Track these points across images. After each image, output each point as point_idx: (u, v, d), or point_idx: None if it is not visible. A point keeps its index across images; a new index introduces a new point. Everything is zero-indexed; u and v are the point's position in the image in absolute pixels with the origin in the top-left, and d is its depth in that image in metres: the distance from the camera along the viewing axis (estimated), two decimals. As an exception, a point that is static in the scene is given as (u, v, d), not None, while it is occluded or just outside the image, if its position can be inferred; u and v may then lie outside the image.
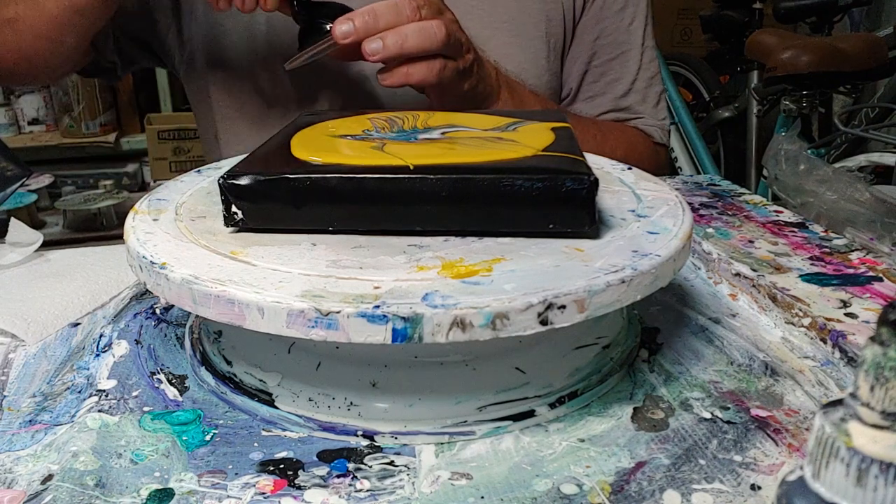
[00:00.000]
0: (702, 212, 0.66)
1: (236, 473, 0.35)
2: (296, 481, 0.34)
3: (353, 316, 0.33)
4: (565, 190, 0.38)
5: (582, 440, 0.37)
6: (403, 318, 0.33)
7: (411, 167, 0.40)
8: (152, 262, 0.38)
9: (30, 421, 0.39)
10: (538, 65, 0.82)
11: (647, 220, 0.42)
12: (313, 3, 0.63)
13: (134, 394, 0.42)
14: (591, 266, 0.36)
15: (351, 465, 0.36)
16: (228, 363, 0.42)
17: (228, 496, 0.33)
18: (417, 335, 0.33)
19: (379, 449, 0.37)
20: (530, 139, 0.45)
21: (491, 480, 0.34)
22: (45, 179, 2.03)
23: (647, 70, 0.86)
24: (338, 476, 0.35)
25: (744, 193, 0.71)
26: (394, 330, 0.33)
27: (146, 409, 0.40)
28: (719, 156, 2.32)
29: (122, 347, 0.47)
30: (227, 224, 0.42)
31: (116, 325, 0.49)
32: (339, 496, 0.33)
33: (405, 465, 0.36)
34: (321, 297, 0.34)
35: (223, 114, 0.83)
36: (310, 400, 0.39)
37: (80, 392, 0.42)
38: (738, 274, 0.53)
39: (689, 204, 0.47)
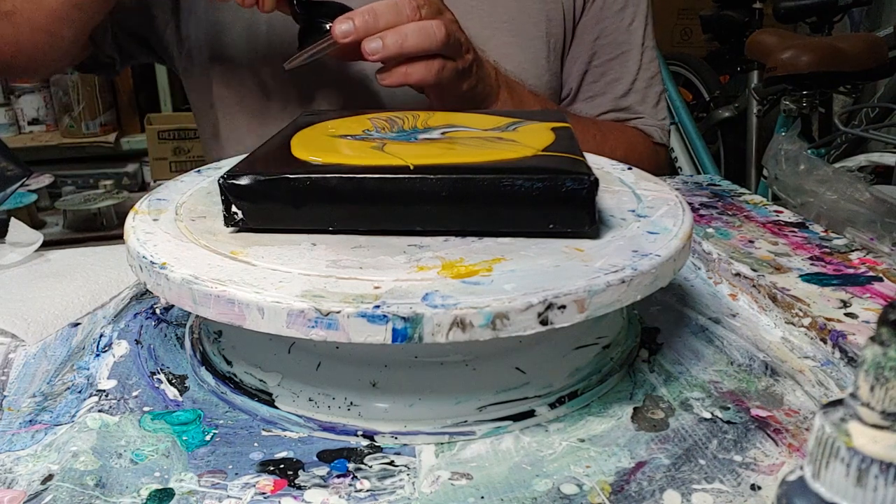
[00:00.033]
0: (702, 212, 0.66)
1: (236, 473, 0.35)
2: (296, 481, 0.34)
3: (353, 316, 0.33)
4: (565, 190, 0.38)
5: (582, 440, 0.37)
6: (403, 318, 0.33)
7: (411, 167, 0.40)
8: (152, 262, 0.38)
9: (30, 421, 0.39)
10: (538, 65, 0.82)
11: (647, 220, 0.42)
12: (313, 2, 0.63)
13: (134, 394, 0.42)
14: (591, 266, 0.36)
15: (351, 465, 0.36)
16: (228, 363, 0.42)
17: (228, 496, 0.33)
18: (417, 335, 0.33)
19: (379, 449, 0.37)
20: (530, 139, 0.45)
21: (491, 480, 0.34)
22: (45, 179, 2.03)
23: (647, 70, 0.86)
24: (338, 476, 0.35)
25: (744, 193, 0.71)
26: (394, 330, 0.33)
27: (146, 409, 0.40)
28: (719, 156, 2.32)
29: (122, 347, 0.47)
30: (227, 224, 0.42)
31: (116, 325, 0.49)
32: (339, 496, 0.33)
33: (405, 465, 0.36)
34: (321, 297, 0.34)
35: (224, 111, 0.83)
36: (310, 400, 0.39)
37: (80, 392, 0.42)
38: (738, 274, 0.53)
39: (689, 204, 0.47)
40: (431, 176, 0.39)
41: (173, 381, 0.43)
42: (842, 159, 1.75)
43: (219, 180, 0.40)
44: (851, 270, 0.53)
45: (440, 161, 0.42)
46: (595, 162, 0.53)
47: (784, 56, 1.78)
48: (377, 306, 0.33)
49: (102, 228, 1.98)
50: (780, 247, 0.57)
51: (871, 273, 0.52)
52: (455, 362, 0.39)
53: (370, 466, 0.35)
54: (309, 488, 0.34)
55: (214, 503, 0.33)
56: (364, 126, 0.50)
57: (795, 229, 0.61)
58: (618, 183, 0.49)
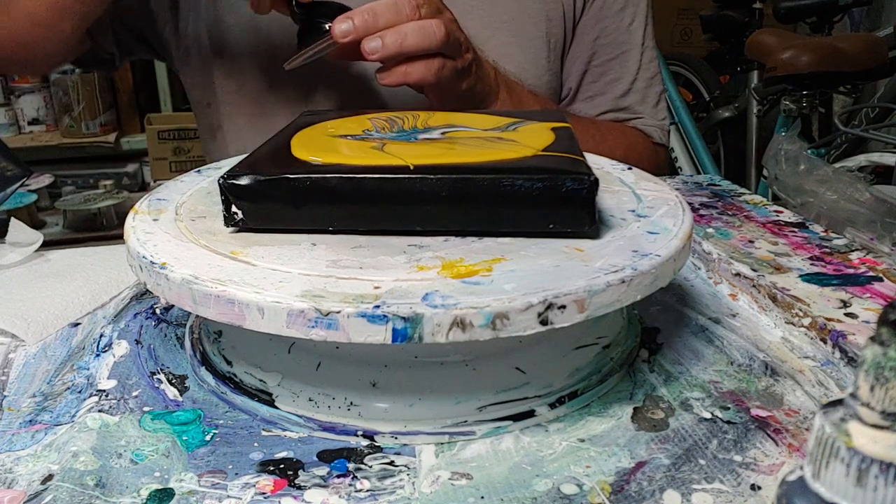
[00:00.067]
0: (702, 212, 0.66)
1: (236, 473, 0.35)
2: (296, 481, 0.34)
3: (353, 316, 0.33)
4: (565, 190, 0.38)
5: (582, 440, 0.37)
6: (403, 318, 0.33)
7: (411, 167, 0.40)
8: (152, 262, 0.38)
9: (30, 421, 0.39)
10: (538, 65, 0.82)
11: (647, 220, 0.42)
12: (312, 2, 0.63)
13: (134, 394, 0.42)
14: (591, 266, 0.36)
15: (351, 465, 0.36)
16: (228, 363, 0.42)
17: (228, 496, 0.33)
18: (417, 335, 0.33)
19: (379, 449, 0.37)
20: (530, 139, 0.45)
21: (491, 480, 0.34)
22: (45, 179, 2.03)
23: (647, 70, 0.86)
24: (338, 476, 0.35)
25: (744, 193, 0.71)
26: (394, 330, 0.33)
27: (146, 409, 0.40)
28: (719, 156, 2.32)
29: (122, 347, 0.47)
30: (227, 224, 0.42)
31: (116, 325, 0.49)
32: (339, 496, 0.33)
33: (405, 465, 0.36)
34: (321, 297, 0.34)
35: (224, 108, 0.83)
36: (310, 400, 0.39)
37: (80, 392, 0.42)
38: (738, 274, 0.53)
39: (689, 204, 0.47)
40: (431, 176, 0.39)
41: (173, 381, 0.43)
42: (842, 159, 1.75)
43: (219, 180, 0.40)
44: (851, 270, 0.53)
45: (440, 161, 0.42)
46: (595, 162, 0.53)
47: (784, 56, 1.78)
48: (377, 306, 0.33)
49: (102, 228, 1.98)
50: (780, 247, 0.57)
51: (871, 273, 0.52)
52: (455, 362, 0.39)
53: (370, 466, 0.35)
54: (309, 488, 0.34)
55: (214, 503, 0.33)
56: (364, 126, 0.50)
57: (795, 229, 0.61)
58: (618, 183, 0.49)
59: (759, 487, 0.33)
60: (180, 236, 0.41)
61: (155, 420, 0.39)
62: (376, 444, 0.37)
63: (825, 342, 0.45)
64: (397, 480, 0.34)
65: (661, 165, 0.89)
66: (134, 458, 0.36)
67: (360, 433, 0.37)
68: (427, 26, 0.59)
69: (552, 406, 0.39)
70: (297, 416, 0.38)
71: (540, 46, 0.82)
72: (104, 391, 0.42)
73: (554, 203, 0.39)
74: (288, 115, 0.77)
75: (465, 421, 0.38)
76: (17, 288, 0.53)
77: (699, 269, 0.57)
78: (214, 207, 0.45)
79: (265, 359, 0.41)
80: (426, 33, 0.59)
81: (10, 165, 0.59)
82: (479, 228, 0.41)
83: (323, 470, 0.35)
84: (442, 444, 0.37)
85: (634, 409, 0.40)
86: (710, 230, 0.61)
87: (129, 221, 0.44)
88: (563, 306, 0.34)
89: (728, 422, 0.38)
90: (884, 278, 0.51)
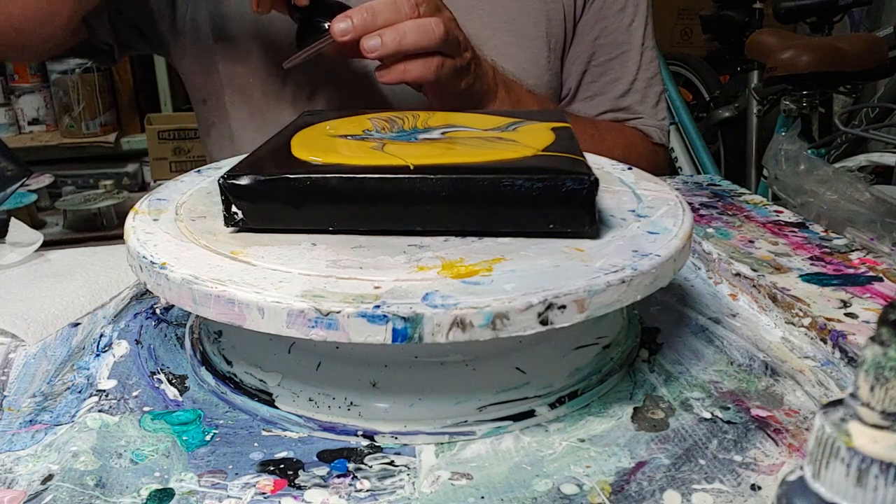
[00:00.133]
0: (702, 212, 0.66)
1: (236, 473, 0.35)
2: (296, 481, 0.34)
3: (353, 316, 0.33)
4: (565, 190, 0.38)
5: (582, 440, 0.37)
6: (403, 318, 0.33)
7: (411, 167, 0.40)
8: (152, 262, 0.38)
9: (30, 421, 0.39)
10: (538, 65, 0.82)
11: (648, 220, 0.42)
12: (311, 2, 0.63)
13: (134, 394, 0.42)
14: (591, 266, 0.36)
15: (351, 465, 0.36)
16: (228, 363, 0.42)
17: (228, 496, 0.33)
18: (417, 335, 0.33)
19: (379, 449, 0.37)
20: (530, 139, 0.45)
21: (491, 480, 0.34)
22: (45, 179, 2.03)
23: (647, 70, 0.86)
24: (338, 476, 0.35)
25: (744, 193, 0.71)
26: (394, 330, 0.33)
27: (146, 409, 0.40)
28: (719, 156, 2.32)
29: (122, 347, 0.47)
30: (227, 224, 0.42)
31: (116, 325, 0.49)
32: (340, 496, 0.33)
33: (405, 465, 0.36)
34: (321, 297, 0.34)
35: (224, 106, 0.83)
36: (310, 400, 0.39)
37: (80, 392, 0.42)
38: (738, 274, 0.53)
39: (690, 204, 0.47)
40: (431, 176, 0.39)
41: (173, 381, 0.43)
42: (842, 159, 1.75)
43: (219, 180, 0.40)
44: (851, 270, 0.53)
45: (440, 161, 0.42)
46: (595, 162, 0.53)
47: (784, 56, 1.78)
48: (377, 306, 0.33)
49: (102, 228, 1.98)
50: (780, 247, 0.57)
51: (871, 273, 0.52)
52: (455, 362, 0.39)
53: (370, 466, 0.35)
54: (309, 488, 0.34)
55: (214, 503, 0.33)
56: (364, 126, 0.50)
57: (795, 229, 0.61)
58: (618, 183, 0.49)
59: (760, 487, 0.33)
60: (180, 236, 0.41)
61: (155, 420, 0.39)
62: (376, 444, 0.37)
63: (825, 342, 0.45)
64: (397, 480, 0.34)
65: (661, 165, 0.89)
66: (134, 458, 0.36)
67: (360, 433, 0.37)
68: (426, 24, 0.59)
69: (552, 406, 0.39)
70: (297, 416, 0.38)
71: (540, 46, 0.82)
72: (104, 391, 0.42)
73: (554, 203, 0.39)
74: (289, 113, 0.77)
75: (466, 421, 0.38)
76: (17, 288, 0.53)
77: (699, 269, 0.57)
78: (214, 207, 0.45)
79: (265, 359, 0.41)
80: (425, 31, 0.59)
81: (10, 165, 0.59)
82: (479, 228, 0.41)
83: (323, 470, 0.35)
84: (442, 444, 0.37)
85: (634, 409, 0.40)
86: (710, 230, 0.61)
87: (130, 221, 0.44)
88: (563, 306, 0.34)
89: (728, 422, 0.38)
90: (884, 278, 0.51)
